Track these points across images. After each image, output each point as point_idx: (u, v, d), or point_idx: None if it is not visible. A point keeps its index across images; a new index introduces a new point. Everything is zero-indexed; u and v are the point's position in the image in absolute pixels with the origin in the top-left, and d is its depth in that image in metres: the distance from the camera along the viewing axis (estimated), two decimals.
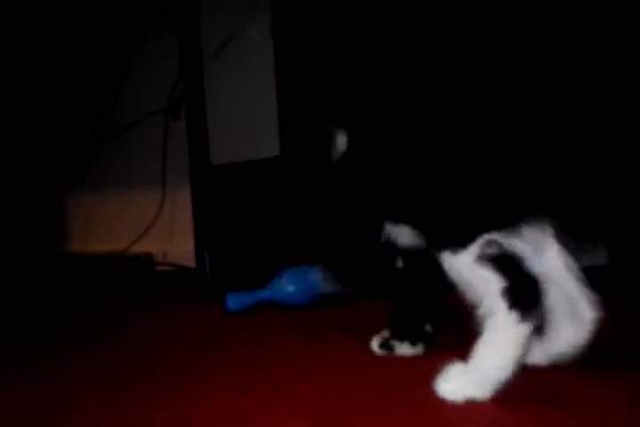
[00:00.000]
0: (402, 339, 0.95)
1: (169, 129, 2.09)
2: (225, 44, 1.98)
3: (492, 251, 0.70)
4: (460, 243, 0.71)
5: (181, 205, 1.94)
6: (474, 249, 0.71)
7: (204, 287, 1.60)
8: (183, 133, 1.71)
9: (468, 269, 0.72)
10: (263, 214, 1.65)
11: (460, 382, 0.74)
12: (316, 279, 1.37)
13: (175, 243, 2.11)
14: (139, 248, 2.15)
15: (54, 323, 1.44)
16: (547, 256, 0.77)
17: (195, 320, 1.41)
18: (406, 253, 0.90)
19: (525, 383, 0.73)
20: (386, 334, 0.97)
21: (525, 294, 0.71)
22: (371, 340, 0.99)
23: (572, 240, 0.75)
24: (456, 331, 0.88)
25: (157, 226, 2.14)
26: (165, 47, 2.02)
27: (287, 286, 1.38)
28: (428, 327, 0.96)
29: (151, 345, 1.19)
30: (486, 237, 0.71)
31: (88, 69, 2.25)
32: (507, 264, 0.70)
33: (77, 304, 1.65)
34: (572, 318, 0.77)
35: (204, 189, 1.63)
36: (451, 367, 0.75)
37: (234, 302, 1.37)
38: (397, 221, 0.79)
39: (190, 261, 1.72)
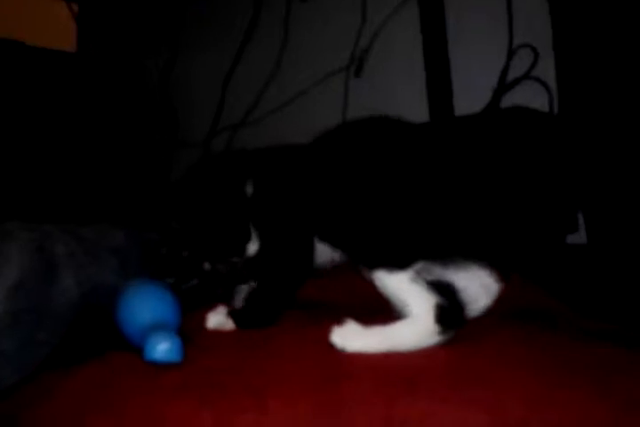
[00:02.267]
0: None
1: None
2: None
3: (426, 275, 0.88)
4: (399, 265, 0.88)
5: None
6: (410, 271, 0.87)
7: None
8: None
9: (401, 285, 0.88)
10: None
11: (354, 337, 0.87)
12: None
13: None
14: None
15: None
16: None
17: None
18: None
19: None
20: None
21: (452, 314, 0.87)
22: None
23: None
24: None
25: None
26: None
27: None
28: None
29: None
30: (421, 263, 0.88)
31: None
32: (439, 286, 0.88)
33: None
34: (485, 292, 0.96)
35: None
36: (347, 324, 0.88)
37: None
38: (335, 244, 0.96)
39: None
